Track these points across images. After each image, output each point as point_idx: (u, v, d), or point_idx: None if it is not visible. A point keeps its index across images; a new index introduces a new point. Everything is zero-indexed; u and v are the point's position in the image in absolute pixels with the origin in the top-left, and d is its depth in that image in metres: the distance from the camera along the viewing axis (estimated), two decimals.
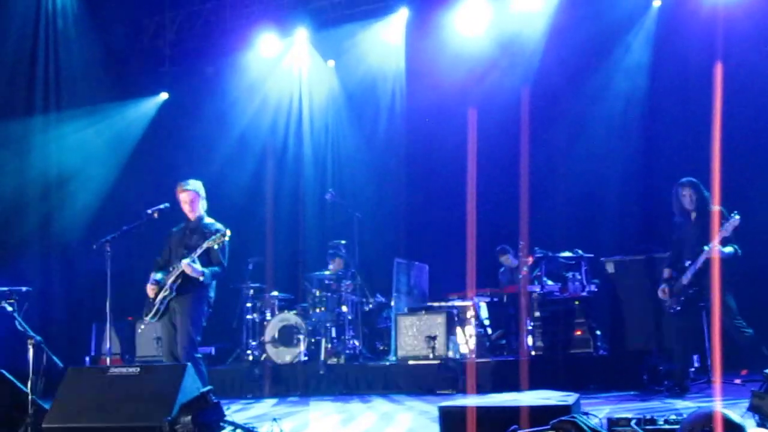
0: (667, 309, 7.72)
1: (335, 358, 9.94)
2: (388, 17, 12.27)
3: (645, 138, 10.92)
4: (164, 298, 6.84)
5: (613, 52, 11.30)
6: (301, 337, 9.94)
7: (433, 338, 9.31)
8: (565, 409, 4.52)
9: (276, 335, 10.06)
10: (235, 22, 12.31)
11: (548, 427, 4.04)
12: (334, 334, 10.14)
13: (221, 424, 5.45)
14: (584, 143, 11.20)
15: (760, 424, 4.54)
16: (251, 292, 10.67)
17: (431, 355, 9.27)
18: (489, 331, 10.34)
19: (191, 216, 7.17)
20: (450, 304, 9.99)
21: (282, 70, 13.01)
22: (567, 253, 9.47)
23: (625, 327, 8.53)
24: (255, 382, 9.69)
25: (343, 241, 10.72)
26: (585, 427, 3.92)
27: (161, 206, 7.33)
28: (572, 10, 11.07)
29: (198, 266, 6.83)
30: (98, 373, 5.84)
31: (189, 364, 5.80)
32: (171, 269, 6.92)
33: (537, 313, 9.17)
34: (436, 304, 10.17)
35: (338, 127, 13.30)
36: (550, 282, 9.65)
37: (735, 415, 3.57)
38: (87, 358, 10.95)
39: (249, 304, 10.59)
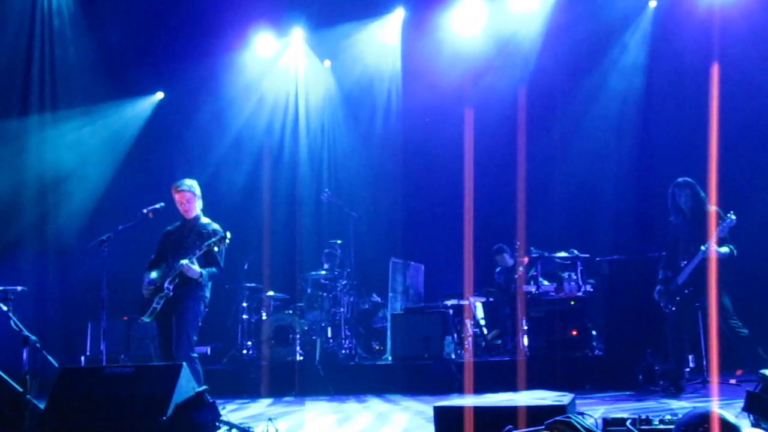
0: (662, 309, 7.73)
1: (331, 358, 9.93)
2: (385, 17, 12.32)
3: (641, 138, 10.96)
4: (161, 297, 6.82)
5: (609, 53, 11.33)
6: (297, 337, 9.94)
7: (429, 338, 9.31)
8: (560, 409, 4.52)
9: (272, 335, 10.05)
10: (231, 22, 12.28)
11: (543, 427, 4.03)
12: (329, 334, 10.14)
13: (217, 424, 5.44)
14: (580, 143, 11.23)
15: (755, 424, 4.54)
16: (247, 291, 10.66)
17: (427, 355, 9.27)
18: (485, 331, 10.35)
19: (188, 216, 7.15)
20: (446, 303, 9.99)
21: (278, 70, 13.01)
22: (563, 253, 9.49)
23: (621, 327, 8.52)
24: (251, 382, 9.68)
25: (339, 241, 10.72)
26: (580, 427, 3.92)
27: (157, 206, 7.31)
28: (568, 10, 11.10)
29: (196, 267, 6.81)
30: (93, 373, 5.82)
31: (184, 363, 5.76)
32: (167, 268, 6.91)
33: (533, 314, 9.18)
34: (432, 304, 10.16)
35: (334, 126, 13.30)
36: (546, 282, 9.66)
37: (730, 415, 3.56)
38: (82, 358, 10.92)
39: (245, 304, 10.58)
